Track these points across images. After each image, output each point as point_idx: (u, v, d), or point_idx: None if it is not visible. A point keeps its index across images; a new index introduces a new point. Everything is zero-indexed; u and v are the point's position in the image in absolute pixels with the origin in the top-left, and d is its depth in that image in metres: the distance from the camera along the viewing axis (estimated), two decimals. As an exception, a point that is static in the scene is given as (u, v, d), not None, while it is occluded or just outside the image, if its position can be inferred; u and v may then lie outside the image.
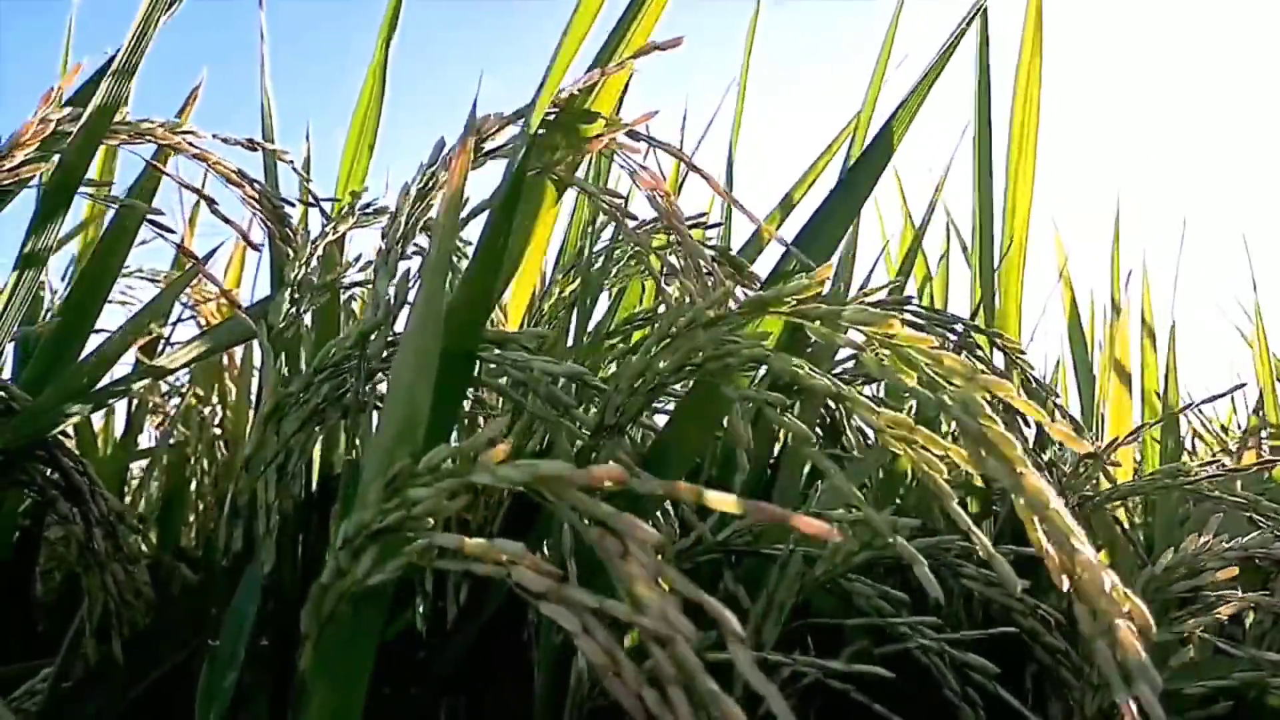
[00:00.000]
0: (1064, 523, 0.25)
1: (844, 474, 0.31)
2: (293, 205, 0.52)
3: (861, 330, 0.30)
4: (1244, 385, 0.86)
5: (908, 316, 0.65)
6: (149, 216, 0.47)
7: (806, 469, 0.66)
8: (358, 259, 0.55)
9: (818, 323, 0.31)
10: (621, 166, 0.45)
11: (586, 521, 0.21)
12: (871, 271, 0.89)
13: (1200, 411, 1.02)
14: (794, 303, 0.31)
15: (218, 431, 0.78)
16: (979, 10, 0.54)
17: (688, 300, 0.44)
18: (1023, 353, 0.67)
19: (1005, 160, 0.71)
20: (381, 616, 0.32)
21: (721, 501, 0.21)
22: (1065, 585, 0.24)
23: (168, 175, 0.52)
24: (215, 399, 0.79)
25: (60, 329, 0.48)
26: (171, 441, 0.75)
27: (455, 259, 0.58)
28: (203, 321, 0.80)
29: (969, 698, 0.52)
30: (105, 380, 0.51)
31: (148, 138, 0.45)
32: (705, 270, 0.39)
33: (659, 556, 0.21)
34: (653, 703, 0.20)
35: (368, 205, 0.53)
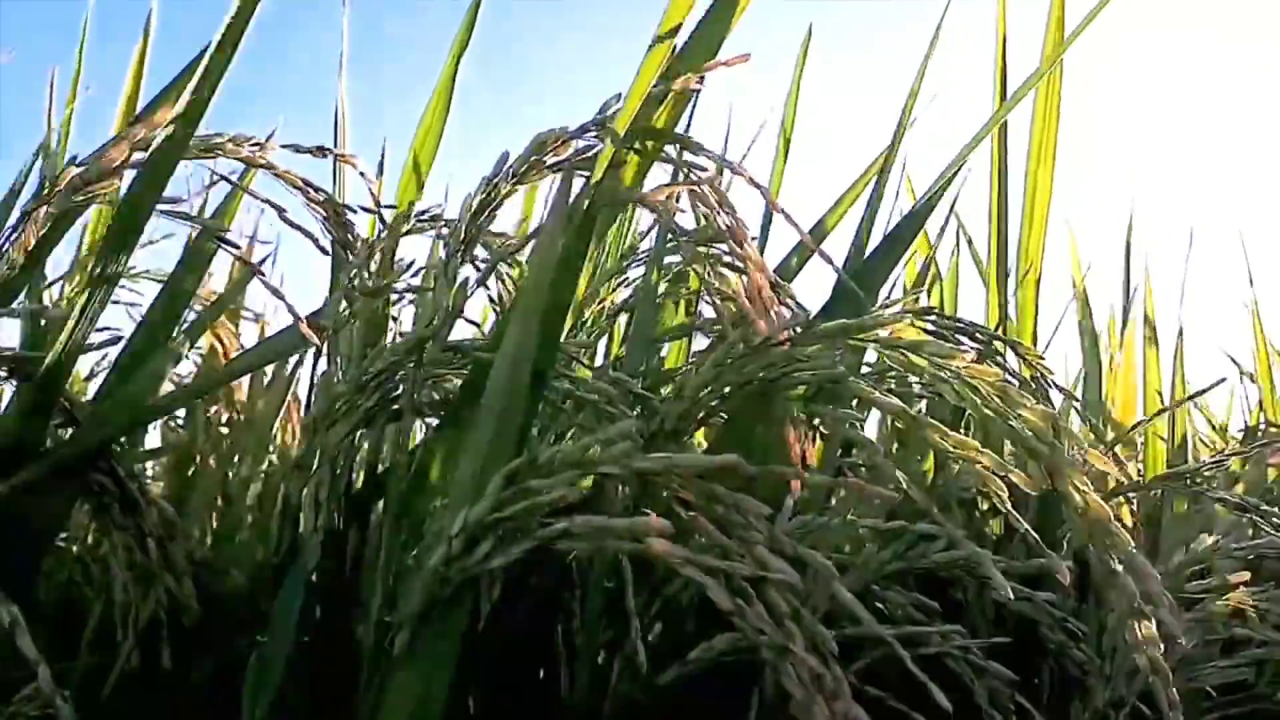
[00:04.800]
0: (1128, 546, 0.27)
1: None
2: (355, 212, 0.53)
3: (936, 360, 0.32)
4: (1224, 380, 0.88)
5: (929, 325, 0.67)
6: (217, 234, 0.47)
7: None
8: (410, 265, 0.55)
9: (898, 353, 0.32)
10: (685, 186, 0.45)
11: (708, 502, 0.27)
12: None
13: (1202, 411, 1.04)
14: (875, 333, 0.33)
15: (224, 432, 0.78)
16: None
17: (736, 316, 0.45)
18: (1041, 358, 0.68)
19: (1023, 178, 0.72)
20: (467, 612, 0.34)
21: (818, 480, 0.29)
22: (1134, 606, 0.27)
23: (242, 188, 0.52)
24: (223, 402, 0.79)
25: (140, 348, 0.48)
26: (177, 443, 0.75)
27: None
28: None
29: (996, 703, 0.53)
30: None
31: (216, 153, 0.46)
32: (761, 288, 0.40)
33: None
34: (772, 631, 0.26)
35: (424, 212, 0.54)
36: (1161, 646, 0.32)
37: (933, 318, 0.66)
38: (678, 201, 0.44)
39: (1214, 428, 1.12)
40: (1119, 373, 0.87)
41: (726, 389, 0.39)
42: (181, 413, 0.79)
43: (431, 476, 0.44)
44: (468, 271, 0.44)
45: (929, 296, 0.98)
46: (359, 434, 0.51)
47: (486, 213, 0.42)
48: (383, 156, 0.67)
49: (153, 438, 0.94)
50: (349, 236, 0.52)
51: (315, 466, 0.49)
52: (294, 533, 0.52)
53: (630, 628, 0.49)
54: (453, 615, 0.33)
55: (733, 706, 0.53)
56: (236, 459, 0.79)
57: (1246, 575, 0.58)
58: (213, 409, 0.80)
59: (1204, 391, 0.88)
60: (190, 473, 0.77)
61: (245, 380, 0.82)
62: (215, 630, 0.53)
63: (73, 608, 0.65)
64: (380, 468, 0.56)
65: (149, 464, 0.92)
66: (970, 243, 0.93)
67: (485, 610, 0.61)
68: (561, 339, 0.40)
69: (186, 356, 0.77)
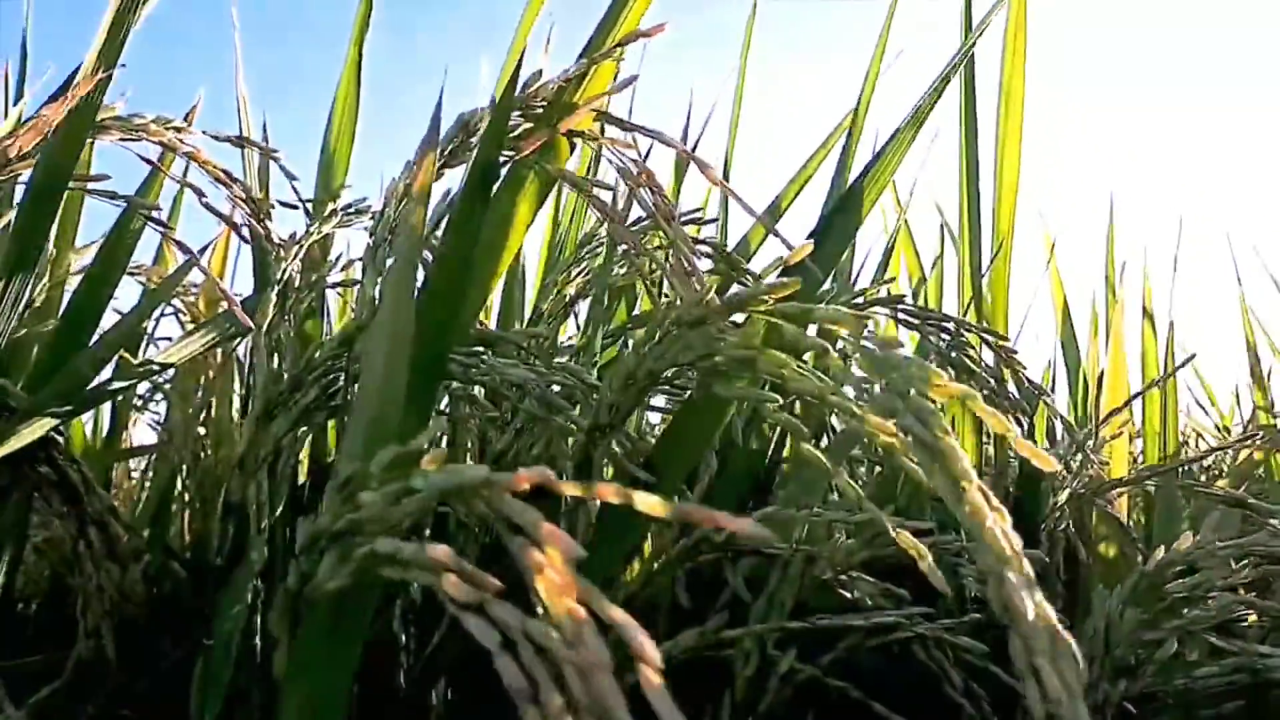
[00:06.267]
0: (1000, 545, 0.23)
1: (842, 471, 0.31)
2: (274, 207, 0.52)
3: (832, 330, 0.29)
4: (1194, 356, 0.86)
5: (900, 315, 0.65)
6: (143, 212, 0.47)
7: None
8: (338, 259, 0.54)
9: (787, 320, 0.30)
10: (611, 162, 0.44)
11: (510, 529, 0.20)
12: (863, 266, 0.88)
13: (1200, 405, 1.02)
14: (771, 301, 0.30)
15: (201, 430, 0.78)
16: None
17: (678, 300, 0.44)
18: (1015, 352, 0.67)
19: (993, 161, 0.71)
20: (366, 618, 0.31)
21: (648, 504, 0.20)
22: (999, 611, 0.23)
23: (162, 170, 0.51)
24: (199, 396, 0.78)
25: (65, 329, 0.47)
26: (159, 440, 0.75)
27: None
28: (185, 318, 0.79)
29: (972, 692, 0.52)
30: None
31: (140, 134, 0.45)
32: (692, 270, 0.39)
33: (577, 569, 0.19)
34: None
35: (349, 205, 0.53)
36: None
37: (903, 307, 0.65)
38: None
39: (1217, 426, 1.10)
40: (1109, 362, 0.85)
41: (649, 376, 0.37)
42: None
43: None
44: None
45: (916, 298, 0.97)
46: (300, 430, 0.50)
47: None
48: (264, 133, 0.66)
49: (148, 435, 0.94)
50: (270, 228, 0.51)
51: (256, 464, 0.48)
52: (239, 532, 0.51)
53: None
54: (341, 632, 0.29)
55: (707, 706, 0.52)
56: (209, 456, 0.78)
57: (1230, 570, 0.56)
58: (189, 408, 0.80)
59: (1187, 361, 0.86)
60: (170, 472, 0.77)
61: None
62: (161, 626, 0.52)
63: (63, 596, 0.64)
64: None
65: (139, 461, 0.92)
66: (948, 228, 0.92)
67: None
68: (466, 315, 0.38)
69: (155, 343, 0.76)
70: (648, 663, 0.18)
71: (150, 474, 0.85)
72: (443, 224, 0.43)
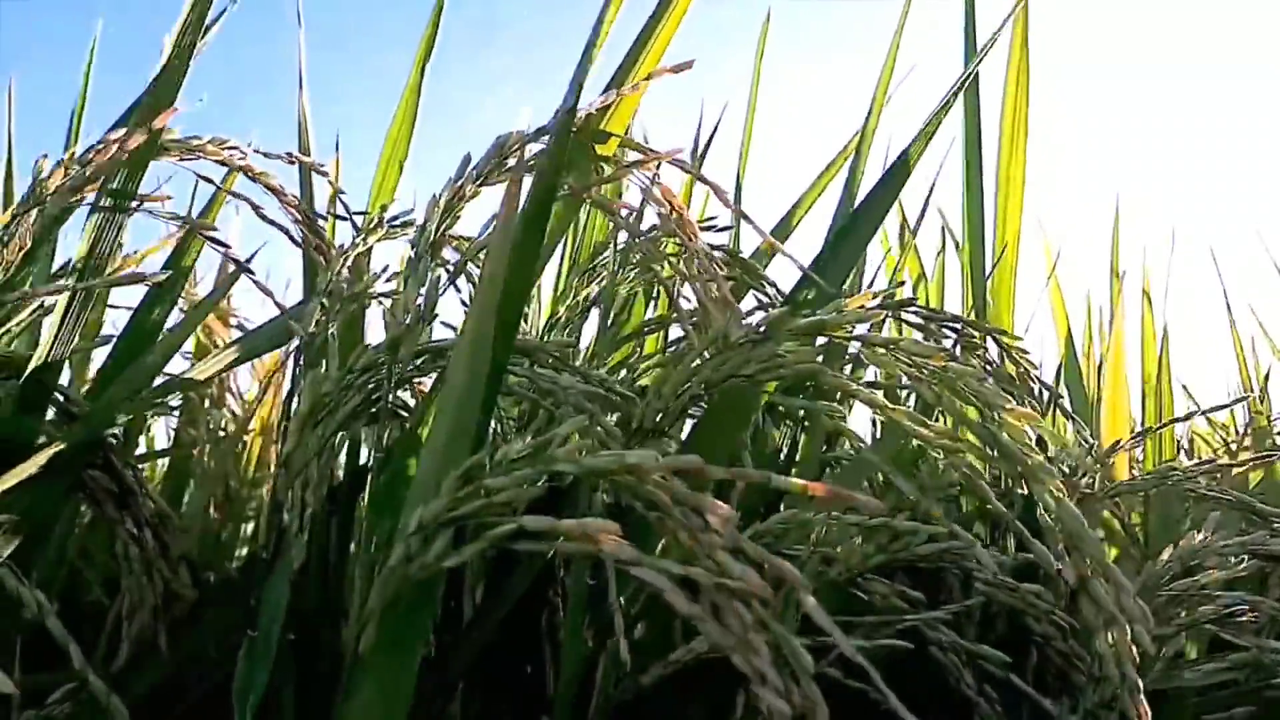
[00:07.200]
0: (1102, 555, 0.28)
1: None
2: (325, 219, 0.54)
3: (913, 359, 0.33)
4: (1248, 397, 0.88)
5: (908, 316, 0.67)
6: (205, 233, 0.49)
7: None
8: (384, 270, 0.57)
9: (874, 350, 0.33)
10: (636, 183, 0.46)
11: (668, 501, 0.25)
12: (875, 272, 0.90)
13: (1199, 406, 1.04)
14: (850, 328, 0.34)
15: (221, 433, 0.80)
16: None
17: (695, 305, 0.46)
18: (1026, 352, 0.68)
19: (995, 163, 0.73)
20: (435, 599, 0.35)
21: (788, 484, 0.25)
22: (1105, 607, 0.27)
23: (224, 190, 0.54)
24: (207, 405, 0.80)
25: (130, 340, 0.49)
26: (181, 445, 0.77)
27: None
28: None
29: (985, 693, 0.53)
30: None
31: (198, 153, 0.47)
32: (714, 280, 0.41)
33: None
34: (736, 644, 0.24)
35: (395, 218, 0.55)
36: (1136, 658, 0.33)
37: (912, 309, 0.67)
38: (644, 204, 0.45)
39: (1213, 425, 1.12)
40: (1108, 368, 0.87)
41: (704, 385, 0.40)
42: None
43: (404, 473, 0.45)
44: (439, 273, 0.45)
45: (915, 293, 0.98)
46: (342, 433, 0.52)
47: (452, 214, 0.43)
48: (338, 149, 0.69)
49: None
50: (321, 242, 0.54)
51: (301, 464, 0.50)
52: (280, 529, 0.53)
53: (614, 625, 0.50)
54: (417, 613, 0.33)
55: (719, 706, 0.54)
56: (234, 458, 0.80)
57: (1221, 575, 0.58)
58: (208, 411, 0.82)
59: (1218, 408, 0.88)
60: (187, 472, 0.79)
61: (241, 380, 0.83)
62: (206, 624, 0.54)
63: (74, 591, 0.66)
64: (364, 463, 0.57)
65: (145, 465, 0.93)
66: (950, 232, 0.94)
67: (469, 609, 0.62)
68: (518, 331, 0.41)
69: (185, 356, 0.78)
70: (798, 586, 0.24)
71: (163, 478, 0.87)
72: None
